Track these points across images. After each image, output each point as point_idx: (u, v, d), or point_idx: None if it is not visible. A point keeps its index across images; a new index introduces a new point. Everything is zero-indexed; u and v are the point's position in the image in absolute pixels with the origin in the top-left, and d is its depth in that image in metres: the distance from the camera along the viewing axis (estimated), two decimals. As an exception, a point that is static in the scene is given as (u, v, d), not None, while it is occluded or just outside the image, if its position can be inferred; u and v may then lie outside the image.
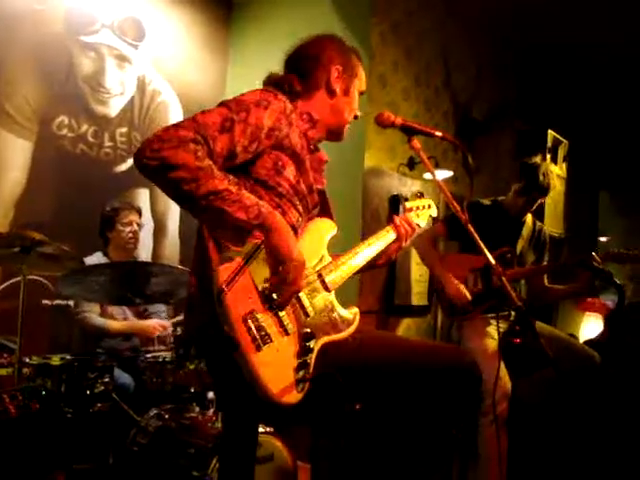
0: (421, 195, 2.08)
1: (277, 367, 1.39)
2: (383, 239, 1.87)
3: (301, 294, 1.52)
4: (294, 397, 1.40)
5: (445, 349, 1.69)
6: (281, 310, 1.44)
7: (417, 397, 1.55)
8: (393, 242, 1.90)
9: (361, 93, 1.82)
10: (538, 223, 3.27)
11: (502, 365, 2.56)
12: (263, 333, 1.37)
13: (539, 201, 3.09)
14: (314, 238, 1.66)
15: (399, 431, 1.56)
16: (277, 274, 1.37)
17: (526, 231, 3.17)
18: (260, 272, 1.41)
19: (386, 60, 3.91)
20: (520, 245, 3.14)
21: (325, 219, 1.75)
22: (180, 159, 1.30)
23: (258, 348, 1.35)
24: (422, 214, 2.04)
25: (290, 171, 1.58)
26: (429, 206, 2.08)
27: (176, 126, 1.37)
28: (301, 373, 1.43)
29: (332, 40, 1.79)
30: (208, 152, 1.38)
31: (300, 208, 1.61)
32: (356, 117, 1.80)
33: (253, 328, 1.36)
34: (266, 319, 1.40)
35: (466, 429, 2.82)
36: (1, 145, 3.33)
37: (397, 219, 1.91)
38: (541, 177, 2.97)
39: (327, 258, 1.68)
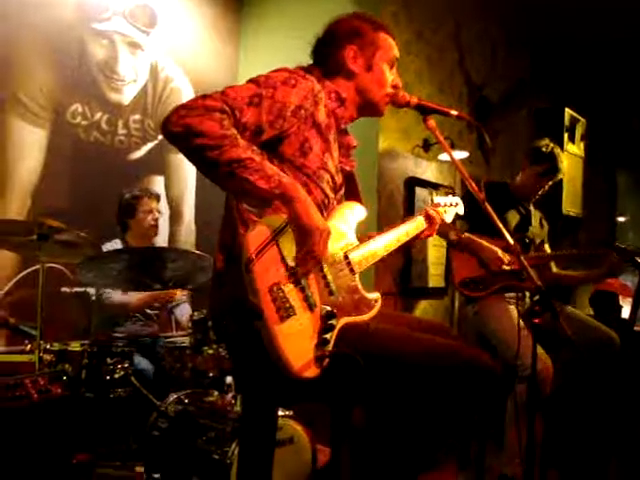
0: (450, 192, 2.12)
1: (299, 340, 1.40)
2: (413, 229, 1.89)
3: (327, 272, 1.53)
4: (313, 372, 1.41)
5: (466, 349, 1.67)
6: (305, 277, 1.45)
7: (434, 390, 1.55)
8: (424, 230, 1.93)
9: (395, 61, 1.76)
10: (538, 212, 3.30)
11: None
12: (288, 305, 1.39)
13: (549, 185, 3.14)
14: (343, 220, 1.66)
15: (416, 418, 1.56)
16: (303, 244, 1.39)
17: (533, 220, 3.20)
18: (288, 246, 1.43)
19: (398, 41, 3.84)
20: (531, 233, 3.15)
21: (354, 202, 1.75)
22: (205, 126, 1.32)
23: (282, 319, 1.37)
24: (449, 211, 2.08)
25: (317, 152, 1.58)
26: (457, 204, 2.12)
27: (204, 96, 1.38)
28: (321, 350, 1.44)
29: (345, 19, 1.75)
30: (234, 123, 1.40)
31: (327, 189, 1.61)
32: (396, 87, 1.75)
33: (278, 299, 1.37)
34: (291, 292, 1.41)
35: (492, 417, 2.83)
36: (16, 134, 3.35)
37: (430, 211, 1.95)
38: (561, 160, 3.05)
39: (354, 241, 1.69)
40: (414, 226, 1.90)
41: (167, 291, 3.18)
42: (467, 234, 3.02)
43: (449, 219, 2.08)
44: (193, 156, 1.36)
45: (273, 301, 1.37)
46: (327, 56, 1.72)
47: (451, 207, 2.09)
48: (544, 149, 3.07)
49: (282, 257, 1.42)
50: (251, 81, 1.50)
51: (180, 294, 3.23)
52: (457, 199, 2.13)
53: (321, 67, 1.70)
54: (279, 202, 1.40)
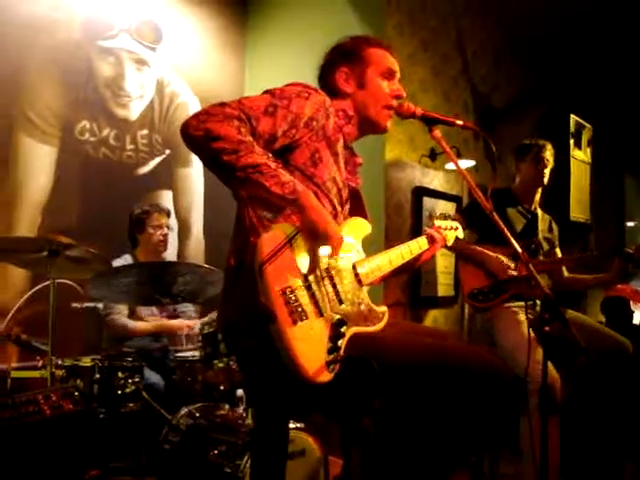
0: (449, 217, 2.17)
1: (310, 345, 1.41)
2: (415, 248, 1.92)
3: (337, 282, 1.55)
4: (325, 376, 1.42)
5: (478, 353, 1.68)
6: (316, 283, 1.47)
7: (444, 398, 1.55)
8: (426, 250, 1.96)
9: (391, 72, 1.79)
10: (546, 215, 3.30)
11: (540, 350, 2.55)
12: (300, 309, 1.41)
13: (547, 171, 3.13)
14: (351, 234, 1.68)
15: (427, 426, 1.56)
16: (316, 249, 1.41)
17: (541, 224, 3.18)
18: (301, 251, 1.46)
19: (402, 52, 3.88)
20: (538, 239, 3.15)
21: (360, 218, 1.78)
22: (223, 131, 1.36)
23: (294, 322, 1.39)
24: (450, 234, 2.11)
25: (326, 164, 1.62)
26: (456, 228, 2.15)
27: (222, 104, 1.43)
28: (332, 355, 1.45)
29: (339, 43, 1.83)
30: (250, 131, 1.44)
31: (335, 201, 1.64)
32: (399, 97, 1.78)
33: (291, 302, 1.39)
34: (303, 297, 1.43)
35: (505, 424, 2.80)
36: (26, 152, 3.38)
37: (433, 229, 2.02)
38: (545, 144, 3.14)
39: (362, 254, 1.72)
40: (417, 245, 1.93)
41: (174, 325, 3.23)
42: (467, 245, 3.02)
43: (450, 243, 2.11)
44: (210, 159, 1.40)
45: (285, 304, 1.38)
46: (326, 81, 1.80)
47: (452, 231, 2.13)
48: (526, 141, 3.20)
49: (294, 262, 1.44)
50: (266, 92, 1.56)
51: (186, 327, 3.24)
52: (457, 223, 2.17)
53: (325, 91, 1.74)
54: (292, 209, 1.43)
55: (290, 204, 1.41)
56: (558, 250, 3.27)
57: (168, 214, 3.44)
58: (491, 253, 2.92)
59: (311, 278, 1.46)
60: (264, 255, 1.38)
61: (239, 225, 1.60)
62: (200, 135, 1.36)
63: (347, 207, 1.74)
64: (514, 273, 2.88)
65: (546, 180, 3.14)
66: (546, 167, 3.12)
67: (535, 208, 3.20)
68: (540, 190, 3.18)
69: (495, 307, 2.95)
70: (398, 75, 1.82)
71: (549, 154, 3.14)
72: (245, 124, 1.42)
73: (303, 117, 1.55)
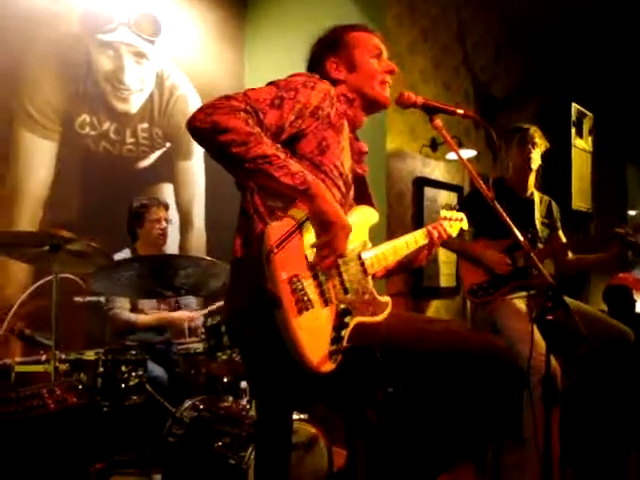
0: (455, 207, 2.19)
1: (315, 334, 1.42)
2: (420, 237, 1.94)
3: (342, 271, 1.55)
4: (328, 366, 1.43)
5: (480, 338, 1.68)
6: (323, 272, 1.48)
7: (449, 385, 1.56)
8: (425, 246, 1.96)
9: (378, 50, 1.80)
10: (545, 197, 3.24)
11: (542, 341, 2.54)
12: (306, 298, 1.41)
13: (534, 154, 3.07)
14: (358, 223, 1.68)
15: (431, 415, 1.56)
16: (325, 239, 1.40)
17: (538, 211, 3.15)
18: (309, 240, 1.46)
19: (402, 43, 3.86)
20: (537, 225, 3.12)
21: (368, 207, 1.78)
22: (231, 123, 1.36)
23: (300, 311, 1.39)
24: (454, 225, 2.12)
25: (334, 151, 1.62)
26: (461, 219, 2.17)
27: (228, 97, 1.42)
28: (336, 345, 1.46)
29: (322, 36, 1.84)
30: (258, 123, 1.43)
31: (343, 188, 1.65)
32: (392, 72, 1.80)
33: (297, 291, 1.40)
34: (310, 286, 1.44)
35: (508, 412, 2.80)
36: (26, 146, 3.38)
37: (432, 225, 2.00)
38: (531, 126, 3.08)
39: (368, 244, 1.72)
40: (421, 235, 1.94)
41: (176, 318, 3.24)
42: (462, 241, 3.00)
43: (454, 234, 2.12)
44: (218, 152, 1.39)
45: (292, 292, 1.39)
46: (319, 73, 1.78)
47: (456, 222, 2.14)
48: (511, 127, 3.14)
49: (303, 250, 1.44)
50: (271, 84, 1.55)
51: (188, 319, 3.25)
52: (462, 214, 2.19)
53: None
54: (301, 198, 1.41)
55: (301, 194, 1.40)
56: (560, 232, 3.23)
57: (167, 207, 3.43)
58: (484, 249, 2.91)
59: (318, 267, 1.46)
60: (272, 243, 1.38)
61: (244, 216, 1.60)
62: (207, 128, 1.35)
63: (351, 193, 1.74)
64: (509, 268, 2.87)
65: (534, 163, 3.07)
66: (532, 150, 3.07)
67: (531, 193, 3.16)
68: (533, 174, 3.14)
69: (493, 302, 2.94)
70: (385, 54, 1.82)
71: (536, 136, 3.07)
72: (252, 116, 1.42)
73: (309, 107, 1.55)
